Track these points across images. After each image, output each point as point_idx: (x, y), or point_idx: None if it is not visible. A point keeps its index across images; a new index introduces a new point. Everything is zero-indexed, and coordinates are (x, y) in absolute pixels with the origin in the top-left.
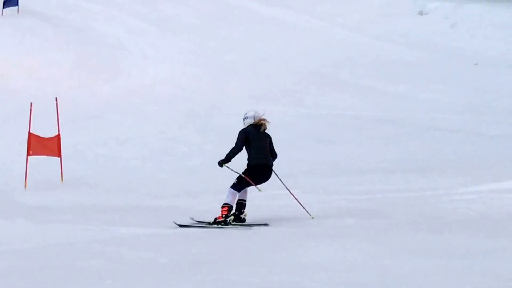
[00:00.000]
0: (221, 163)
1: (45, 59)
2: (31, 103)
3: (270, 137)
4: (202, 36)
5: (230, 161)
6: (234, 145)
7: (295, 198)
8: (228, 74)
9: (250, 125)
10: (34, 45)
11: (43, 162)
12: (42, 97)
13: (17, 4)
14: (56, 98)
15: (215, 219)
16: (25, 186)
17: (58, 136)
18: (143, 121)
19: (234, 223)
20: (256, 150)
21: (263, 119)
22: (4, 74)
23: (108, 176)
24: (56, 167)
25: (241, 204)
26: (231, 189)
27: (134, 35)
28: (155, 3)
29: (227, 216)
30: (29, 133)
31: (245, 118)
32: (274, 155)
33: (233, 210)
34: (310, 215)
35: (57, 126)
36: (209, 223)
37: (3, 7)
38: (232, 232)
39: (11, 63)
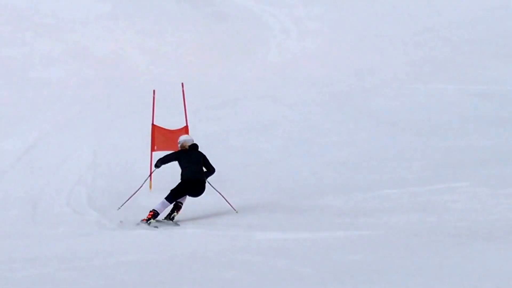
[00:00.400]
0: (155, 165)
1: (171, 39)
2: (154, 90)
3: (204, 156)
4: (351, 5)
5: (158, 167)
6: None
7: (222, 196)
8: (383, 49)
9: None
10: (159, 23)
11: None
12: (167, 83)
13: None
14: (183, 84)
15: (141, 220)
16: (150, 187)
17: (186, 127)
18: (284, 106)
19: (157, 220)
20: (186, 167)
21: (186, 145)
22: (124, 57)
23: (244, 172)
24: None
25: (176, 205)
26: (164, 199)
27: (273, 7)
28: None
29: (149, 219)
30: (153, 125)
31: (179, 142)
32: (211, 170)
33: (159, 217)
34: (235, 210)
35: (184, 116)
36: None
37: None
38: (380, 238)
39: (133, 44)
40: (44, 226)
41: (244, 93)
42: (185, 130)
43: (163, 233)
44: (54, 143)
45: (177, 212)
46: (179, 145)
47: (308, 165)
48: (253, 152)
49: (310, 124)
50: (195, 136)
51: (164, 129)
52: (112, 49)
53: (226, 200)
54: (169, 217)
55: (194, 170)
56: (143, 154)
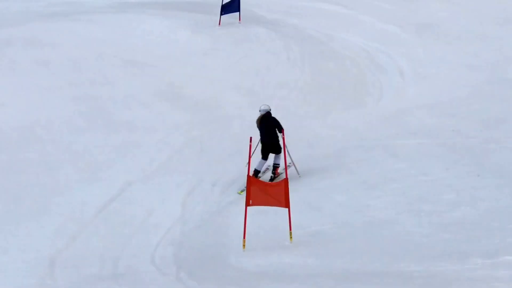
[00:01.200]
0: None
1: (273, 79)
2: (251, 137)
3: (272, 121)
4: (478, 45)
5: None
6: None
7: (290, 158)
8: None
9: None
10: (258, 61)
11: (266, 215)
12: None
13: (238, 10)
14: (283, 130)
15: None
16: (243, 246)
17: (286, 180)
18: (397, 158)
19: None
20: (260, 133)
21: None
22: (220, 98)
23: (348, 232)
24: (283, 221)
25: (274, 167)
26: (260, 159)
27: (389, 46)
28: (412, 2)
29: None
30: (248, 177)
31: (259, 111)
32: (280, 130)
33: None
34: (299, 174)
35: (284, 167)
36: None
37: (221, 14)
38: None
39: (230, 84)
40: (125, 286)
41: (352, 143)
42: (285, 183)
43: None
44: (139, 194)
45: (275, 173)
46: (259, 113)
47: (421, 226)
48: (360, 210)
49: (425, 180)
50: (296, 190)
51: (261, 181)
52: (207, 89)
53: (292, 161)
54: (272, 177)
55: (265, 135)
56: (236, 208)
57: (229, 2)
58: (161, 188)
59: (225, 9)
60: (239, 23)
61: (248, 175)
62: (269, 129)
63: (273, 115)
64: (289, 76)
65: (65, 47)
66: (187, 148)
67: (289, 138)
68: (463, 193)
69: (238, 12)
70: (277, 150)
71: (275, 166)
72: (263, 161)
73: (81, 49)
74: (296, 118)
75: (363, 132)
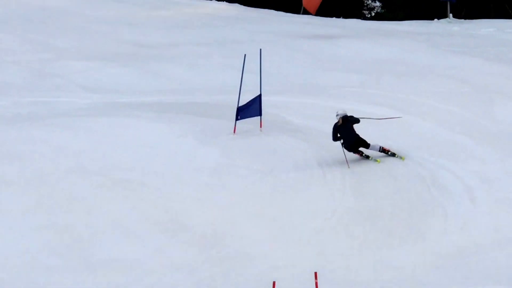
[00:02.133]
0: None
1: (301, 204)
2: (274, 282)
3: (352, 120)
4: None
5: (335, 140)
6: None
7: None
8: None
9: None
10: (283, 180)
11: None
12: (293, 270)
13: (259, 114)
14: (316, 274)
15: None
16: None
17: None
18: None
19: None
20: (343, 135)
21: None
22: (233, 230)
23: None
24: None
25: (383, 150)
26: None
27: (452, 160)
28: (488, 104)
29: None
30: None
31: (336, 116)
32: (357, 121)
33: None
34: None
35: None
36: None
37: (237, 119)
38: None
39: (244, 212)
40: None
41: None
42: None
43: None
44: None
45: (386, 151)
46: (337, 119)
47: None
48: None
49: None
50: None
51: None
52: (217, 217)
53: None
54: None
55: (348, 135)
56: None
57: (247, 104)
58: None
59: (242, 113)
60: (260, 130)
61: None
62: (351, 128)
63: None
64: (324, 201)
65: (33, 160)
66: None
67: (323, 283)
68: None
69: (259, 117)
70: (365, 144)
71: (382, 150)
72: (354, 152)
73: (54, 162)
74: (332, 255)
75: (421, 276)
